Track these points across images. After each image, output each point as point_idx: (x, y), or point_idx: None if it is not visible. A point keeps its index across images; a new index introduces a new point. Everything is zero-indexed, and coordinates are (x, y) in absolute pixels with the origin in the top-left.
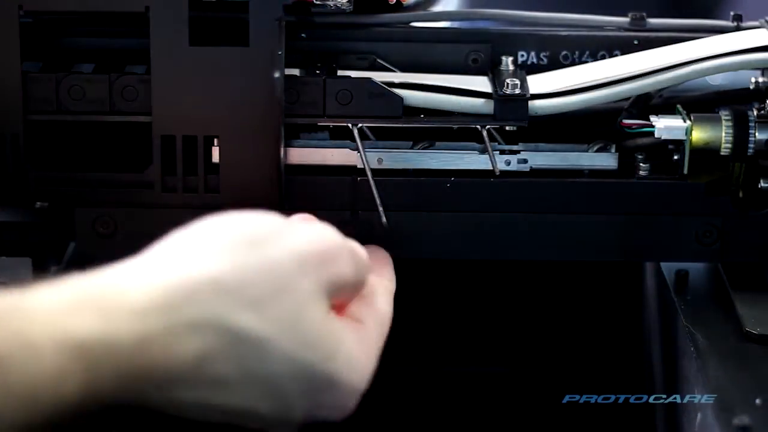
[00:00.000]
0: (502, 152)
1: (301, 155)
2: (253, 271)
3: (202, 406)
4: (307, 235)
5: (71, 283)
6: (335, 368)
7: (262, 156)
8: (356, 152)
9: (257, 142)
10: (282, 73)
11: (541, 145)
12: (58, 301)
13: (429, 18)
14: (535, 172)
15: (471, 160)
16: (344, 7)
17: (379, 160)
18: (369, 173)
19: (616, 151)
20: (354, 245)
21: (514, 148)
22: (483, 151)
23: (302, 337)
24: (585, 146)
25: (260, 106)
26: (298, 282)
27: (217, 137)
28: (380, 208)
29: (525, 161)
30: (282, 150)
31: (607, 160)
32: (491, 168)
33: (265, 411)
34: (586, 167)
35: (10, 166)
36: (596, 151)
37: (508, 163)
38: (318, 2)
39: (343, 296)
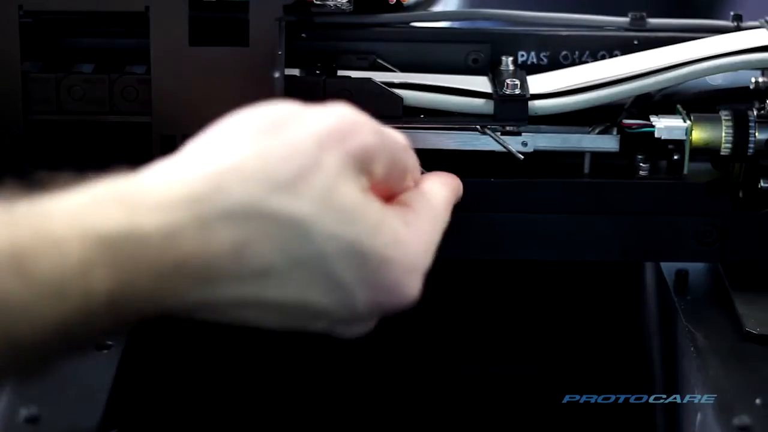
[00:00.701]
0: (503, 134)
1: None
2: (275, 155)
3: (256, 303)
4: (325, 114)
5: (90, 186)
6: (383, 243)
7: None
8: None
9: None
10: (282, 73)
11: (543, 127)
12: (81, 200)
13: (429, 18)
14: (537, 154)
15: (486, 141)
16: (344, 7)
17: None
18: None
19: (617, 134)
20: (382, 126)
21: (516, 129)
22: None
23: (340, 212)
24: (587, 128)
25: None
26: (321, 158)
27: None
28: None
29: (526, 143)
30: None
31: (608, 142)
32: (504, 150)
33: (325, 302)
34: (587, 149)
35: (10, 166)
36: (598, 133)
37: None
38: (318, 2)
39: (378, 172)
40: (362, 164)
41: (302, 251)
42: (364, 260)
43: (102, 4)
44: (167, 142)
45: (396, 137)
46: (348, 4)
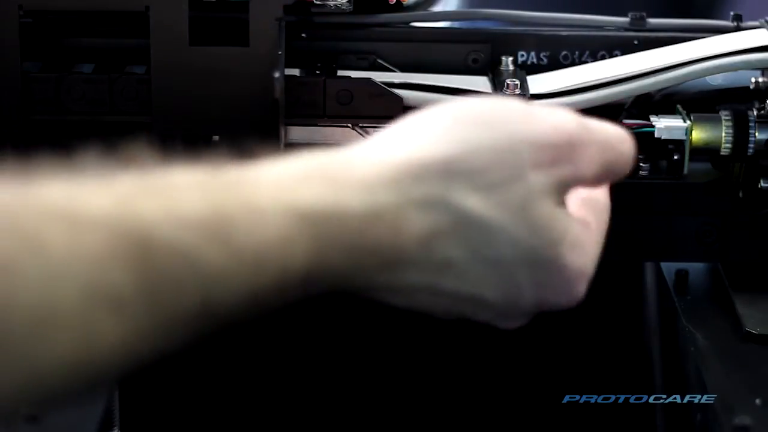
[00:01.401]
0: None
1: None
2: (484, 157)
3: (431, 291)
4: (549, 124)
5: (298, 159)
6: (562, 252)
7: (262, 156)
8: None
9: (257, 143)
10: (282, 73)
11: None
12: (286, 173)
13: (429, 18)
14: None
15: None
16: (344, 7)
17: None
18: None
19: None
20: (609, 137)
21: None
22: None
23: (529, 225)
24: None
25: (260, 106)
26: (530, 173)
27: (217, 137)
28: None
29: None
30: (282, 150)
31: None
32: None
33: (495, 297)
34: None
35: (10, 166)
36: None
37: None
38: (318, 2)
39: (584, 186)
40: (568, 187)
41: (485, 252)
42: (542, 266)
43: (102, 4)
44: (167, 142)
45: (617, 155)
46: (348, 4)
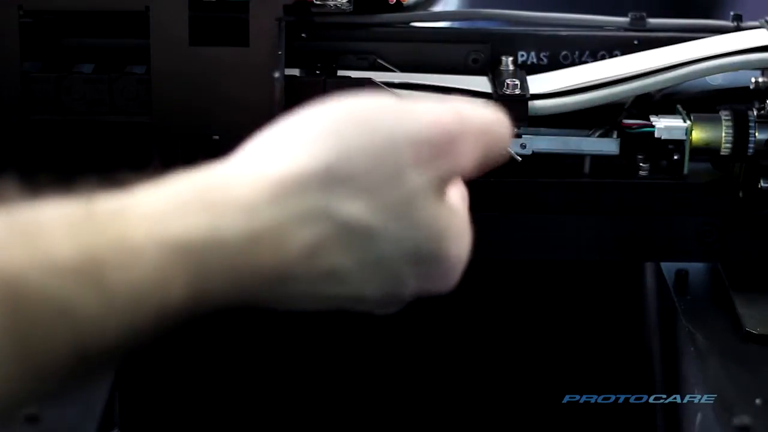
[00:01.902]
0: None
1: None
2: (363, 160)
3: (315, 299)
4: (426, 121)
5: (173, 183)
6: (445, 245)
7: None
8: None
9: None
10: (282, 73)
11: (543, 129)
12: (161, 202)
13: (429, 18)
14: (536, 157)
15: None
16: (344, 7)
17: None
18: None
19: (617, 137)
20: (486, 122)
21: (515, 132)
22: None
23: (412, 224)
24: (586, 131)
25: (260, 107)
26: (410, 172)
27: (217, 137)
28: None
29: (524, 146)
30: None
31: (608, 146)
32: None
33: (376, 294)
34: (587, 152)
35: (10, 166)
36: (598, 136)
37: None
38: (318, 2)
39: (465, 174)
40: (448, 180)
41: (369, 256)
42: (426, 261)
43: (102, 4)
44: (167, 142)
45: (493, 140)
46: (348, 4)
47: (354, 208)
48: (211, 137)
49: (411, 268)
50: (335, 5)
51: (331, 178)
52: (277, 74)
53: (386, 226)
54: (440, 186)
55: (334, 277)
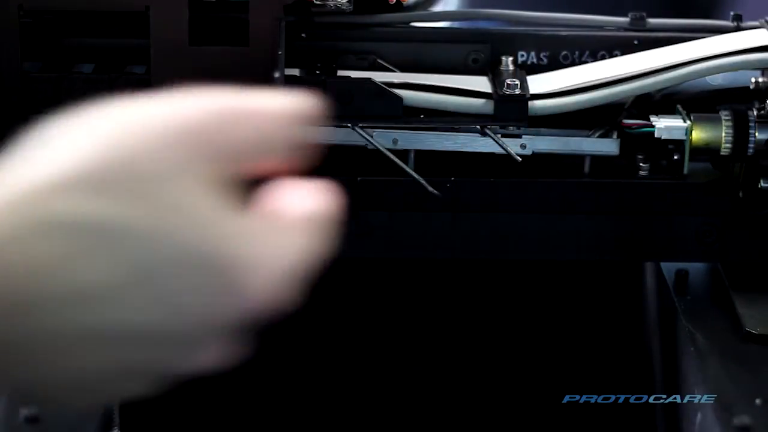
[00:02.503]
0: (504, 136)
1: None
2: (121, 162)
3: (72, 337)
4: (180, 110)
5: None
6: (229, 251)
7: None
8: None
9: None
10: (282, 73)
11: (543, 130)
12: None
13: (429, 18)
14: (536, 157)
15: (485, 143)
16: (344, 7)
17: (395, 141)
18: (387, 152)
19: (617, 137)
20: (261, 108)
21: (515, 132)
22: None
23: (179, 227)
24: (586, 132)
25: None
26: (179, 172)
27: None
28: (421, 181)
29: (525, 146)
30: None
31: (608, 146)
32: (503, 152)
33: (154, 321)
34: (587, 152)
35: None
36: (598, 136)
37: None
38: (318, 2)
39: (250, 162)
40: (229, 165)
41: (130, 266)
42: (199, 268)
43: (102, 4)
44: None
45: (269, 114)
46: (348, 4)
47: (112, 214)
48: None
49: (185, 279)
50: (335, 5)
51: (75, 182)
52: (277, 74)
53: (149, 232)
54: (219, 184)
55: (91, 297)
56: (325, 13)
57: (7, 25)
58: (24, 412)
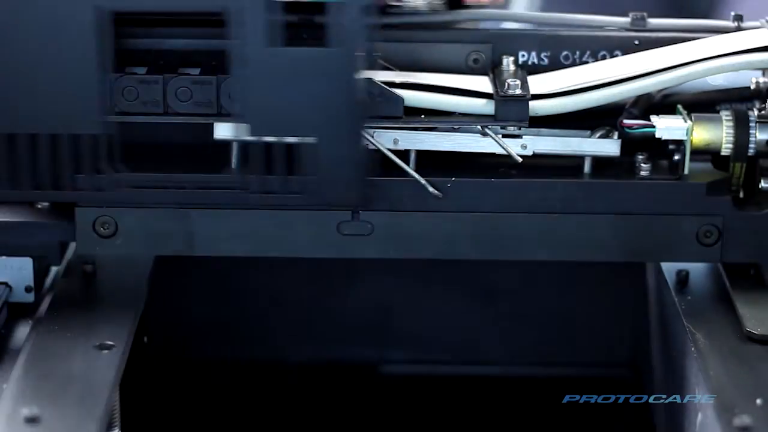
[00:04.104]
0: (504, 137)
1: None
2: None
3: None
4: None
5: None
6: None
7: (343, 157)
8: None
9: (339, 143)
10: (362, 74)
11: (543, 130)
12: None
13: (429, 18)
14: (537, 158)
15: (486, 143)
16: (421, 9)
17: (395, 141)
18: (387, 152)
19: (618, 138)
20: None
21: (516, 132)
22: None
23: None
24: (587, 132)
25: (337, 108)
26: None
27: (297, 137)
28: (422, 181)
29: (525, 147)
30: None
31: (609, 147)
32: (504, 152)
33: None
34: (588, 153)
35: (87, 167)
36: (599, 137)
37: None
38: (395, 3)
39: None
40: None
41: None
42: None
43: (180, 4)
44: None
45: None
46: (425, 6)
47: None
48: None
49: None
50: (412, 7)
51: None
52: (357, 75)
53: None
54: None
55: None
56: (403, 14)
57: (81, 25)
58: (24, 412)
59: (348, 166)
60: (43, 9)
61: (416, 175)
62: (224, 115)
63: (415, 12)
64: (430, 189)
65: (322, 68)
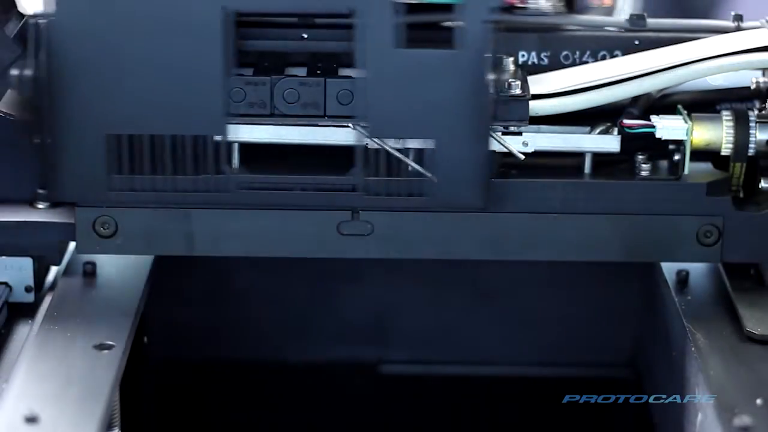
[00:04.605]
0: (504, 134)
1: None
2: None
3: None
4: None
5: None
6: None
7: (468, 159)
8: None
9: (464, 145)
10: (489, 76)
11: (543, 127)
12: None
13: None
14: (537, 155)
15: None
16: (546, 10)
17: (525, 143)
18: (389, 149)
19: (618, 134)
20: None
21: (516, 129)
22: None
23: None
24: (587, 128)
25: (465, 110)
26: None
27: (422, 140)
28: (428, 174)
29: (527, 144)
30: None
31: (609, 143)
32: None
33: None
34: (588, 149)
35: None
36: (599, 134)
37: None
38: (521, 5)
39: None
40: None
41: None
42: None
43: (306, 5)
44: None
45: None
46: (550, 7)
47: None
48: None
49: None
50: (537, 8)
51: None
52: (485, 77)
53: None
54: None
55: None
56: (528, 15)
57: (208, 26)
58: (24, 412)
59: (473, 168)
60: (172, 8)
61: (420, 168)
62: (331, 117)
63: (540, 13)
64: (429, 175)
65: (450, 70)
